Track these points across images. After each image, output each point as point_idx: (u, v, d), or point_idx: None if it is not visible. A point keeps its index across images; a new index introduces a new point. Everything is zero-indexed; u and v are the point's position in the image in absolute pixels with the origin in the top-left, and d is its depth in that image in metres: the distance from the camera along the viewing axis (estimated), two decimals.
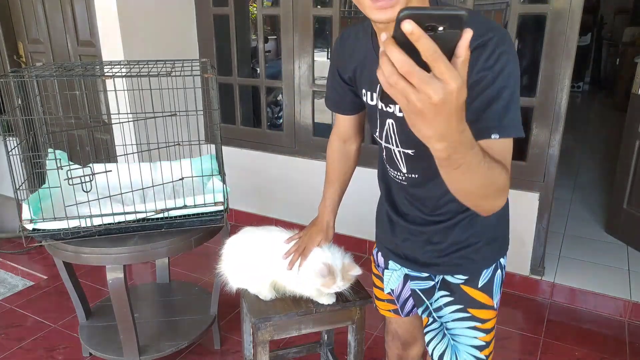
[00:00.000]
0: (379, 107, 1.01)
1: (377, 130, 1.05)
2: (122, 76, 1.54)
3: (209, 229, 1.68)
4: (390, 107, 0.97)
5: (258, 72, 3.26)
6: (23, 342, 2.16)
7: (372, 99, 1.04)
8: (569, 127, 3.49)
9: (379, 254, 1.29)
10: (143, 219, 1.58)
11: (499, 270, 1.13)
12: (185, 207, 1.60)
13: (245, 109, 3.34)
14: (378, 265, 1.31)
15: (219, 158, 1.78)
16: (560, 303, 2.46)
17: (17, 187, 1.51)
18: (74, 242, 1.55)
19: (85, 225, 1.54)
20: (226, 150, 1.89)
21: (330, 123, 2.92)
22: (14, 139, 1.78)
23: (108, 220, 1.55)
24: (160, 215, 1.59)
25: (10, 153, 1.50)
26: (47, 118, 1.95)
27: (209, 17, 3.05)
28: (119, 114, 1.68)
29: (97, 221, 1.54)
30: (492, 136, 0.81)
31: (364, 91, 1.06)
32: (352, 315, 1.41)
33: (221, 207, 1.63)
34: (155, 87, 1.53)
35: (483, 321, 1.12)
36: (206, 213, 1.63)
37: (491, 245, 1.10)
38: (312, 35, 2.77)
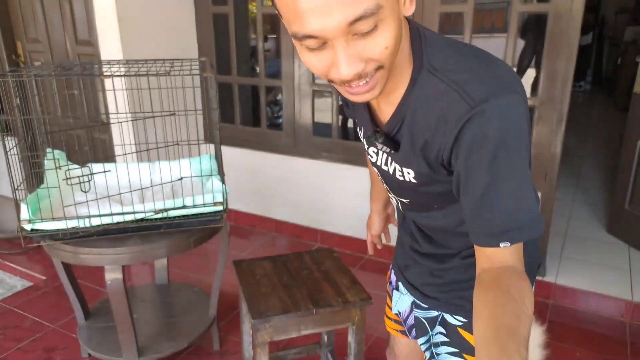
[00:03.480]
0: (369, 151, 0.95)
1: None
2: (120, 75, 1.53)
3: (208, 230, 1.67)
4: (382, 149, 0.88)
5: (257, 71, 3.25)
6: (22, 342, 2.15)
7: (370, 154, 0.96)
8: (571, 127, 3.47)
9: (392, 271, 1.21)
10: (142, 220, 1.57)
11: None
12: (184, 207, 1.59)
13: (244, 109, 3.33)
14: (390, 283, 1.22)
15: (218, 158, 1.77)
16: (561, 303, 2.44)
17: (16, 187, 1.50)
18: (73, 242, 1.54)
19: (83, 226, 1.53)
20: (225, 150, 1.88)
21: (330, 122, 2.91)
22: (13, 138, 1.77)
23: (106, 220, 1.54)
24: (159, 216, 1.58)
25: (8, 153, 1.49)
26: (45, 118, 1.94)
27: (209, 15, 3.03)
28: (117, 113, 1.67)
29: (95, 221, 1.53)
30: (501, 244, 0.71)
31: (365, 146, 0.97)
32: (352, 317, 1.39)
33: (220, 207, 1.62)
34: (154, 87, 1.52)
35: None
36: (205, 213, 1.62)
37: None
38: None
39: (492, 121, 0.69)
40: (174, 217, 1.61)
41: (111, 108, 2.56)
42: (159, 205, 1.57)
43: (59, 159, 1.63)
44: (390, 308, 1.22)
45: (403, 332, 1.19)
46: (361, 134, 0.95)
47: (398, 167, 0.86)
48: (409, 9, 0.69)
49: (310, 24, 0.60)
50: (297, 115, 2.93)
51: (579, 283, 2.45)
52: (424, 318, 1.10)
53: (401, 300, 1.16)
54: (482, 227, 0.73)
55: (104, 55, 2.69)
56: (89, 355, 1.97)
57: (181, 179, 1.68)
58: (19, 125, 1.72)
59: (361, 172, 2.74)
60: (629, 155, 2.80)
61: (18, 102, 1.63)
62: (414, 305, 1.11)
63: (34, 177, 1.68)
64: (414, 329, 1.14)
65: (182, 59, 1.73)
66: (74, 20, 3.00)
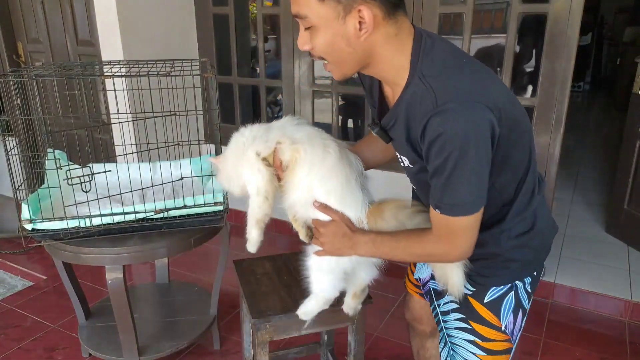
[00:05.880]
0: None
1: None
2: (121, 76, 1.54)
3: (209, 229, 1.67)
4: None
5: (258, 71, 3.26)
6: (22, 342, 2.16)
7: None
8: (570, 127, 3.48)
9: None
10: (142, 219, 1.58)
11: (512, 293, 1.11)
12: (184, 207, 1.60)
13: (245, 109, 3.33)
14: None
15: None
16: (560, 303, 2.45)
17: (17, 187, 1.51)
18: (73, 242, 1.54)
19: (84, 226, 1.53)
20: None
21: (330, 122, 2.91)
22: (14, 139, 1.77)
23: (107, 220, 1.55)
24: (160, 216, 1.59)
25: (9, 153, 1.50)
26: (46, 118, 1.94)
27: (209, 16, 3.04)
28: (118, 113, 1.67)
29: (96, 221, 1.54)
30: (435, 210, 0.93)
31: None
32: (352, 316, 1.40)
33: (221, 207, 1.63)
34: (154, 87, 1.52)
35: (485, 339, 1.12)
36: (206, 213, 1.63)
37: (506, 265, 1.08)
38: None
39: (448, 121, 0.83)
40: (175, 217, 1.61)
41: (112, 108, 2.56)
42: (160, 205, 1.58)
43: (59, 159, 1.64)
44: (412, 272, 1.38)
45: (421, 295, 1.37)
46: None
47: (398, 155, 1.08)
48: (360, 36, 0.88)
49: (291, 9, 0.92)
50: (297, 116, 2.94)
51: (578, 283, 2.46)
52: (433, 289, 1.22)
53: (423, 269, 1.31)
54: (432, 195, 0.94)
55: (105, 56, 2.70)
56: (90, 354, 1.97)
57: (182, 178, 1.68)
58: (19, 125, 1.73)
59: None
60: (628, 156, 2.81)
61: (19, 102, 1.63)
62: (432, 276, 1.22)
63: (35, 177, 1.69)
64: (428, 296, 1.29)
65: (183, 60, 1.74)
66: (75, 21, 3.01)
